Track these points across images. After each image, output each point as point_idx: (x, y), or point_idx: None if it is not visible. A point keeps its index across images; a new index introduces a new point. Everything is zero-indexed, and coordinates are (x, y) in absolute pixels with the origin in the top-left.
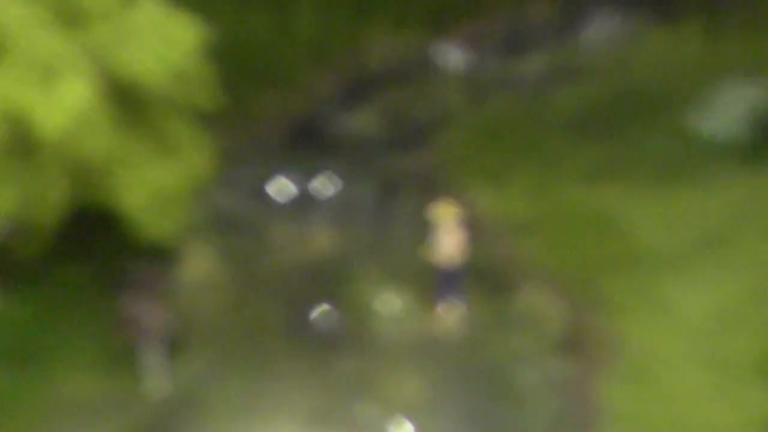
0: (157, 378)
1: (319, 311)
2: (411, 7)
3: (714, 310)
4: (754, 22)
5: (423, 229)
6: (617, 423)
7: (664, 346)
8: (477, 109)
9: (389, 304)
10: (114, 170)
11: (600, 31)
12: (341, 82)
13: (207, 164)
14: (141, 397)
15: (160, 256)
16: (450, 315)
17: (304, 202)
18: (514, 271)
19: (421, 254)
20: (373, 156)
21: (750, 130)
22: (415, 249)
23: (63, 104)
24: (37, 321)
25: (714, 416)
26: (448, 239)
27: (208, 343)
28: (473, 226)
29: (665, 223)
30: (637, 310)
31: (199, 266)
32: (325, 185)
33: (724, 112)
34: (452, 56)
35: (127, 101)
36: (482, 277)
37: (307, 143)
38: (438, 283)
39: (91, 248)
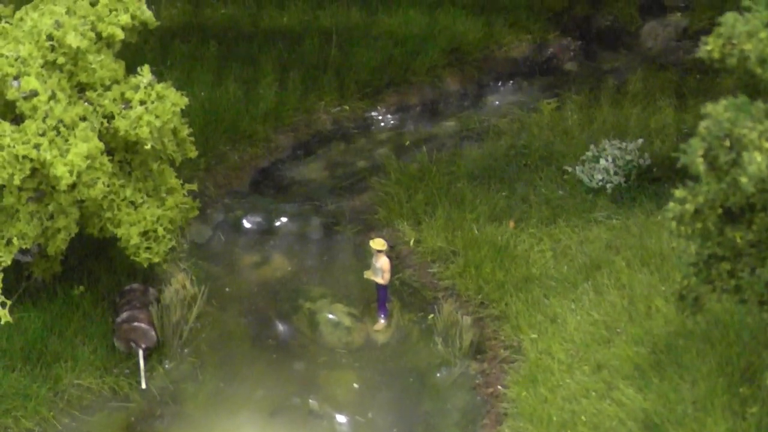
0: (146, 376)
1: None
2: (350, 82)
3: (595, 323)
4: (623, 95)
5: (362, 256)
6: (519, 415)
7: (556, 353)
8: (403, 161)
9: (336, 316)
10: (113, 207)
11: (501, 100)
12: (295, 140)
13: (188, 204)
14: (134, 392)
15: (149, 277)
16: (384, 325)
17: (267, 234)
18: (434, 291)
19: (364, 276)
20: (321, 198)
21: (620, 179)
22: (356, 272)
23: (74, 156)
24: (47, 329)
25: (600, 410)
26: (381, 264)
27: (186, 348)
28: (401, 255)
29: (554, 253)
30: (534, 323)
31: (180, 285)
32: (282, 221)
33: (600, 165)
34: (382, 120)
35: (125, 152)
36: (409, 295)
37: (267, 188)
38: (379, 299)
39: (93, 269)
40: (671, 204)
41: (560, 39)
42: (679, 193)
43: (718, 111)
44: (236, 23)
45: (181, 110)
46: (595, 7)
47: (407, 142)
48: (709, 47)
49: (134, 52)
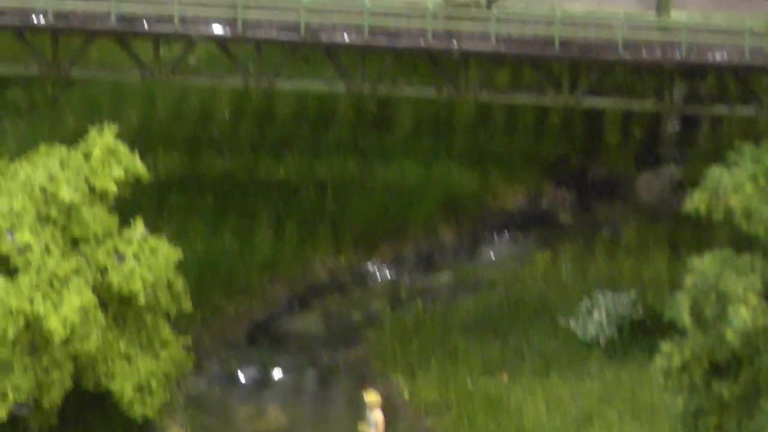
0: None
1: None
2: (345, 234)
3: None
4: (617, 246)
5: (357, 408)
6: None
7: None
8: (397, 313)
9: None
10: (107, 360)
11: (496, 252)
12: (291, 291)
13: (182, 357)
14: None
15: (145, 430)
16: None
17: (261, 386)
18: None
19: (358, 427)
20: (316, 350)
21: (613, 332)
22: (351, 424)
23: (68, 310)
24: None
25: None
26: (375, 419)
27: None
28: (395, 407)
29: (547, 406)
30: None
31: None
32: (277, 373)
33: (593, 317)
34: (378, 272)
35: (119, 305)
36: None
37: (263, 340)
38: None
39: (89, 422)
40: (658, 358)
41: (555, 190)
42: (666, 347)
43: (704, 264)
44: (233, 174)
45: (177, 262)
46: (590, 157)
47: (402, 294)
48: (696, 201)
49: (130, 203)
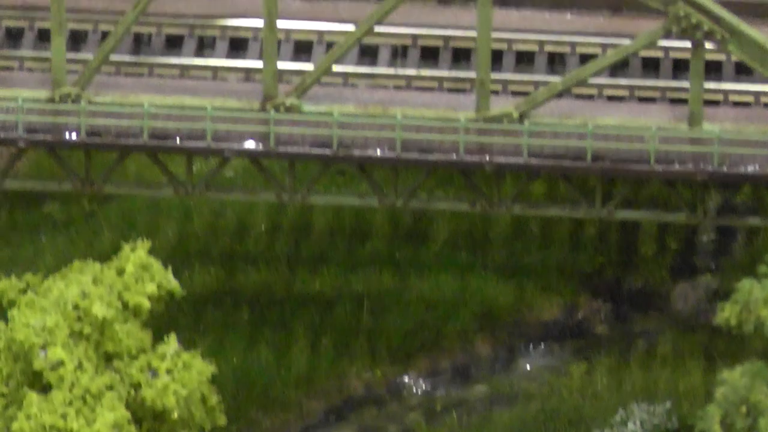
0: None
1: None
2: (381, 347)
3: None
4: (652, 357)
5: None
6: None
7: None
8: (433, 426)
9: None
10: None
11: (532, 364)
12: (327, 404)
13: None
14: None
15: None
16: None
17: None
18: None
19: None
20: None
21: None
22: None
23: (101, 426)
24: None
25: None
26: None
27: None
28: None
29: None
30: None
31: None
32: None
33: (628, 429)
34: (414, 384)
35: (153, 421)
36: None
37: None
38: None
39: None
40: None
41: (591, 301)
42: None
43: (734, 377)
44: (269, 288)
45: (212, 376)
46: (626, 269)
47: (438, 407)
48: (726, 313)
49: (166, 318)
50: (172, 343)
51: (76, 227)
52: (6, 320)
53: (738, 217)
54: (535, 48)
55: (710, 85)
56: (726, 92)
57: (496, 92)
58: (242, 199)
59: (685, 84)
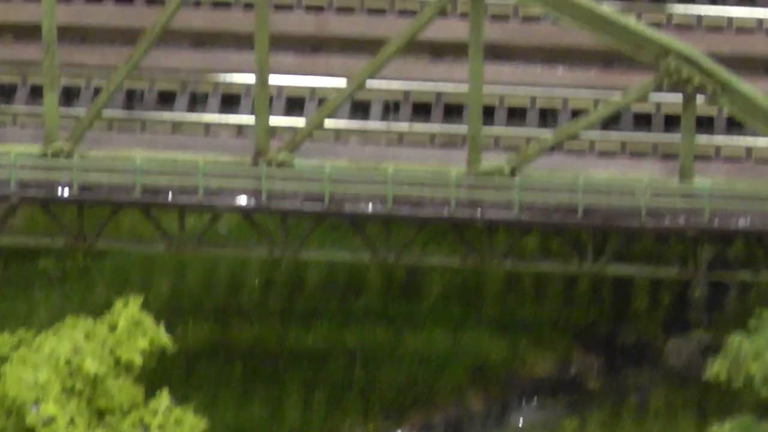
0: None
1: None
2: (374, 402)
3: None
4: (645, 412)
5: None
6: None
7: None
8: None
9: None
10: None
11: (524, 419)
12: None
13: None
14: None
15: None
16: None
17: None
18: None
19: None
20: None
21: None
22: None
23: None
24: None
25: None
26: None
27: None
28: None
29: None
30: None
31: None
32: None
33: None
34: None
35: None
36: None
37: None
38: None
39: None
40: None
41: (584, 356)
42: None
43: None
44: (262, 342)
45: None
46: (619, 323)
47: None
48: (716, 369)
49: (159, 373)
50: (164, 399)
51: (71, 282)
52: None
53: (730, 271)
54: (527, 103)
55: (702, 139)
56: (718, 146)
57: (488, 147)
58: (235, 255)
59: (677, 138)
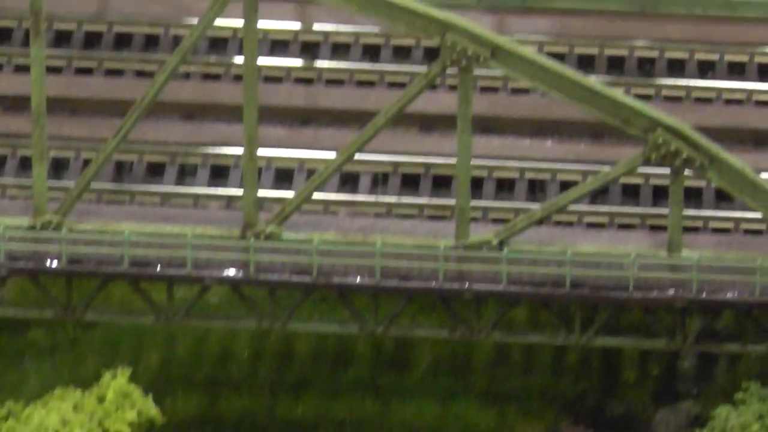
0: None
1: None
2: None
3: None
4: None
5: None
6: None
7: None
8: None
9: None
10: None
11: None
12: None
13: None
14: None
15: None
16: None
17: None
18: None
19: None
20: None
21: None
22: None
23: None
24: None
25: None
26: None
27: None
28: None
29: None
30: None
31: None
32: None
33: None
34: None
35: None
36: None
37: None
38: None
39: None
40: None
41: (573, 427)
42: None
43: None
44: (252, 414)
45: None
46: (607, 394)
47: None
48: None
49: None
50: None
51: (61, 353)
52: None
53: (719, 343)
54: (515, 175)
55: (690, 211)
56: (706, 219)
57: (476, 219)
58: (223, 326)
59: (665, 211)
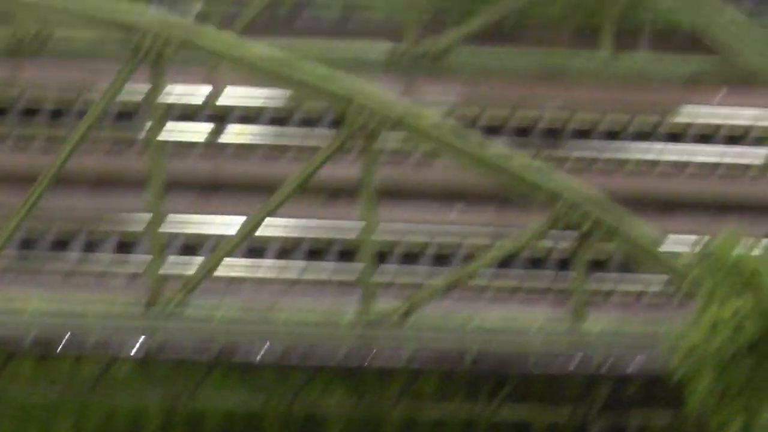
0: None
1: None
2: None
3: None
4: None
5: None
6: None
7: None
8: None
9: None
10: None
11: None
12: None
13: None
14: None
15: None
16: None
17: None
18: None
19: None
20: None
21: None
22: None
23: None
24: None
25: None
26: None
27: None
28: None
29: None
30: None
31: None
32: None
33: None
34: None
35: None
36: None
37: None
38: None
39: None
40: None
41: None
42: None
43: None
44: None
45: None
46: None
47: None
48: None
49: None
50: None
51: None
52: None
53: (625, 411)
54: (421, 244)
55: (595, 280)
56: (611, 287)
57: (381, 289)
58: (129, 402)
59: (570, 279)
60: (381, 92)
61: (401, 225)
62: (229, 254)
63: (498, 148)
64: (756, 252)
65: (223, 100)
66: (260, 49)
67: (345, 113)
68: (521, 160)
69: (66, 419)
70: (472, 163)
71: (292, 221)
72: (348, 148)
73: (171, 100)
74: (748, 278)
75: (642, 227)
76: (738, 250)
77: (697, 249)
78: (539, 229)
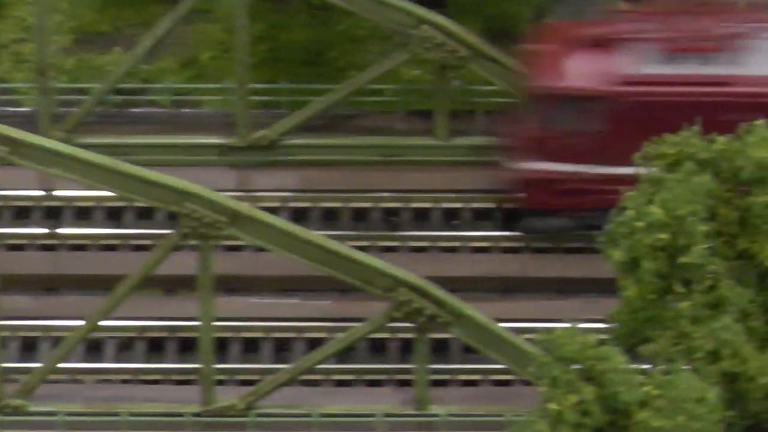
0: None
1: None
2: None
3: None
4: None
5: None
6: None
7: None
8: None
9: None
10: None
11: None
12: None
13: None
14: None
15: None
16: None
17: None
18: None
19: None
20: None
21: None
22: None
23: None
24: None
25: None
26: None
27: None
28: None
29: None
30: None
31: None
32: None
33: None
34: None
35: None
36: None
37: None
38: None
39: None
40: None
41: None
42: None
43: None
44: None
45: None
46: None
47: None
48: None
49: None
50: None
51: None
52: None
53: None
54: (261, 334)
55: (438, 365)
56: (454, 372)
57: (222, 382)
58: None
59: (413, 366)
60: (214, 193)
61: (240, 317)
62: (69, 353)
63: (331, 242)
64: (593, 341)
65: (57, 200)
66: (89, 155)
67: (179, 212)
68: (355, 253)
69: None
70: (310, 257)
71: (131, 318)
72: (182, 245)
73: (5, 199)
74: (588, 369)
75: (479, 315)
76: (575, 342)
77: (537, 339)
78: (378, 322)
